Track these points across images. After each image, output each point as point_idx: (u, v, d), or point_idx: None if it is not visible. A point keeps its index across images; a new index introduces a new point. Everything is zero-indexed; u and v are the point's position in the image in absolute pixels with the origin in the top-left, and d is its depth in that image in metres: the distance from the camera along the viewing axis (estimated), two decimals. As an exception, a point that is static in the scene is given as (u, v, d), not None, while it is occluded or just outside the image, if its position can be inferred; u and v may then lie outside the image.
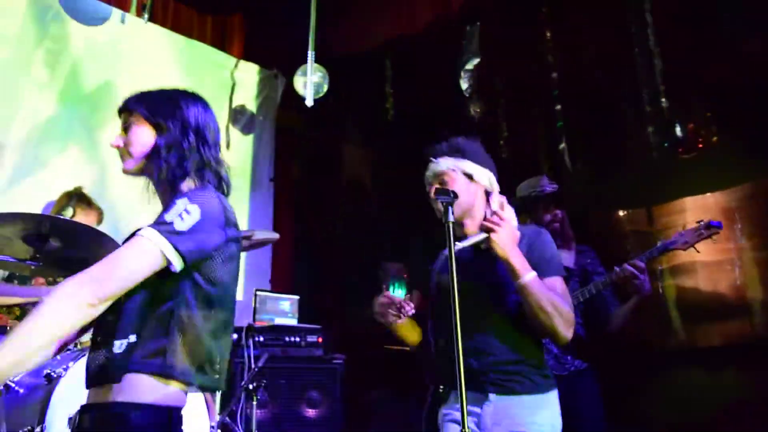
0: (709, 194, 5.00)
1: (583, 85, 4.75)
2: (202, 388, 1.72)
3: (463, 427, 1.73)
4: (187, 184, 1.78)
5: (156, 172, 1.76)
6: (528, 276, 2.15)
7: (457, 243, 2.15)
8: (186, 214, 1.62)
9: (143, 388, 1.58)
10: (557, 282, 2.25)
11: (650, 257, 3.20)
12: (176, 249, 1.59)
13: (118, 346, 1.61)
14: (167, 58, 4.77)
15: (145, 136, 1.79)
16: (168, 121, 1.78)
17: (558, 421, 2.21)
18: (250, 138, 5.22)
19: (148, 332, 1.61)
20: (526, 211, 3.39)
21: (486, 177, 2.38)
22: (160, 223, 1.62)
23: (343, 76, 5.05)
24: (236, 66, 5.19)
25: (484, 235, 2.21)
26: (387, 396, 4.58)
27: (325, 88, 4.58)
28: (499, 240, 2.18)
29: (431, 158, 2.42)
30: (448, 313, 1.88)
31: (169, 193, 1.77)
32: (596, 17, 4.65)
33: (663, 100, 4.23)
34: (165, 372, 1.59)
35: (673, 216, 5.12)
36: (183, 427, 1.67)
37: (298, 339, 4.08)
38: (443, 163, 2.38)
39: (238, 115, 5.01)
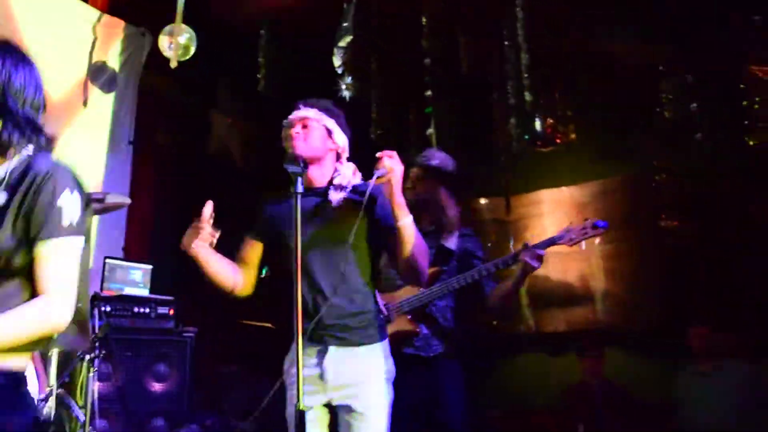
0: (564, 188, 5.28)
1: (454, 73, 4.85)
2: None
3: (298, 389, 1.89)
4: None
5: None
6: (409, 217, 2.28)
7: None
8: (72, 203, 1.52)
9: None
10: None
11: (538, 249, 3.13)
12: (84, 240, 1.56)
13: None
14: (20, 7, 4.36)
15: None
16: None
17: (391, 366, 2.38)
18: (110, 96, 4.92)
19: None
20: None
21: (342, 140, 2.48)
22: (63, 229, 1.51)
23: (216, 42, 4.88)
24: (99, 20, 4.85)
25: (384, 171, 2.26)
26: (238, 371, 4.52)
27: (193, 50, 4.37)
28: (398, 178, 2.26)
29: (299, 104, 2.46)
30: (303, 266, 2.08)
31: None
32: (471, 9, 4.75)
33: (526, 93, 4.38)
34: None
35: (530, 207, 5.35)
36: None
37: (147, 310, 3.92)
38: (310, 111, 2.43)
39: (98, 71, 4.68)
